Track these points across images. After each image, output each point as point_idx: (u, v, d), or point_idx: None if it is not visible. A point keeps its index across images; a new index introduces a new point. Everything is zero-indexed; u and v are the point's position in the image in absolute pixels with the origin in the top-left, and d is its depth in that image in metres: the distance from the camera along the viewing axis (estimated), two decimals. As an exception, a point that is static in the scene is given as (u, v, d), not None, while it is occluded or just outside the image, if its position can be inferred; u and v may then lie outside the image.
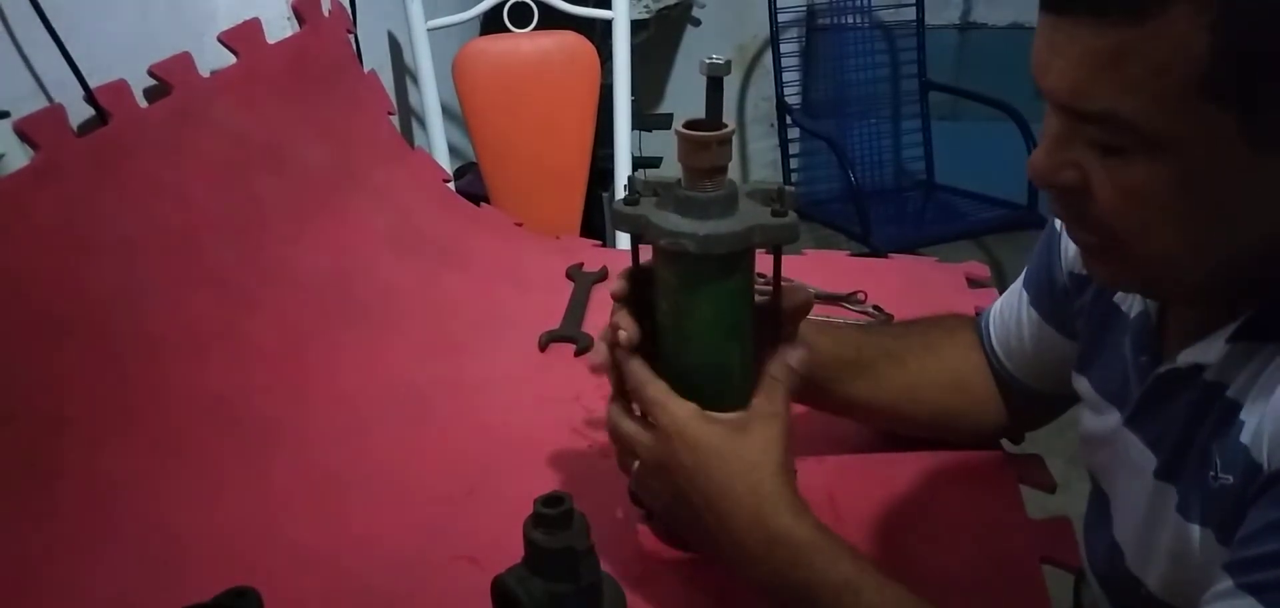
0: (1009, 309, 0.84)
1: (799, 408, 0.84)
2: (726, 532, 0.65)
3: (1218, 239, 0.54)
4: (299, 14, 1.34)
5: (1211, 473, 0.57)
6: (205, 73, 1.14)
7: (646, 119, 2.25)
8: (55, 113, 0.94)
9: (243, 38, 1.20)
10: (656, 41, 2.73)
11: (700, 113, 0.65)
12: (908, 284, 1.20)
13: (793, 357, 0.70)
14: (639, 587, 0.73)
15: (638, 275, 0.72)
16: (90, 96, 1.00)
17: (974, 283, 1.19)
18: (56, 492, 0.79)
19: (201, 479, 0.86)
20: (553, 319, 1.13)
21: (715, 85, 0.65)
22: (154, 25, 1.16)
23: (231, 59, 1.18)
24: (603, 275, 1.25)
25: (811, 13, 2.86)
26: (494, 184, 1.84)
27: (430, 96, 1.77)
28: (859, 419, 0.88)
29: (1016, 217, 2.47)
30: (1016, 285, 0.84)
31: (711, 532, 0.66)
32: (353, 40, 1.47)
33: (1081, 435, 0.75)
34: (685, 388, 0.68)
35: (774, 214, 0.66)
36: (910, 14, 2.74)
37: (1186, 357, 0.60)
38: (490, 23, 1.89)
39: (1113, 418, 0.69)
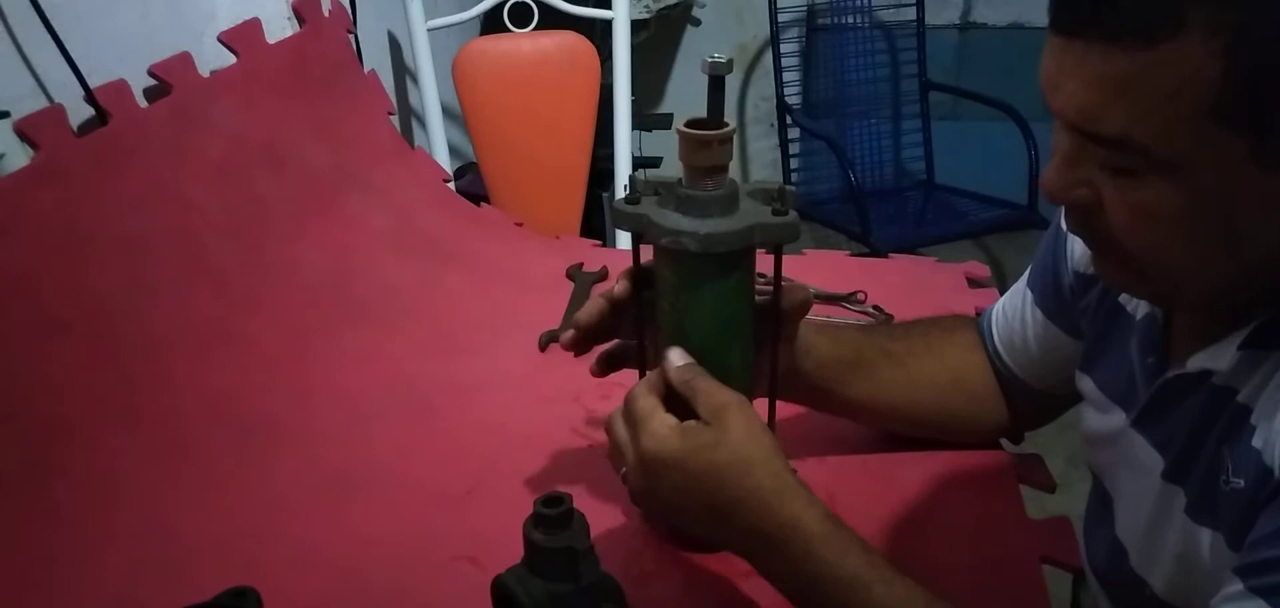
0: (1012, 309, 0.84)
1: (799, 408, 0.85)
2: (736, 524, 0.64)
3: (1228, 256, 0.54)
4: (299, 14, 1.34)
5: (1223, 477, 0.57)
6: (205, 73, 1.14)
7: (646, 119, 2.25)
8: (55, 113, 0.94)
9: (243, 38, 1.20)
10: (656, 41, 2.73)
11: (700, 113, 0.66)
12: (908, 284, 1.20)
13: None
14: (639, 587, 0.73)
15: (638, 275, 0.72)
16: (90, 96, 1.00)
17: (974, 283, 1.19)
18: (56, 492, 0.79)
19: (202, 479, 0.86)
20: (553, 319, 1.13)
21: (717, 84, 0.65)
22: (154, 25, 1.16)
23: (231, 59, 1.18)
24: (603, 275, 1.25)
25: (811, 13, 2.86)
26: (494, 184, 1.84)
27: (430, 96, 1.77)
28: (859, 419, 0.88)
29: (1016, 217, 2.47)
30: (1020, 285, 0.84)
31: (718, 532, 0.66)
32: (353, 40, 1.47)
33: (1084, 434, 0.75)
34: None
35: (774, 213, 0.66)
36: (910, 14, 2.74)
37: (1196, 362, 0.60)
38: (490, 23, 1.89)
39: (1118, 418, 0.69)
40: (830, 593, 0.61)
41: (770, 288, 0.72)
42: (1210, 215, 0.52)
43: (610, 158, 1.87)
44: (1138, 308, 0.68)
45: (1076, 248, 0.75)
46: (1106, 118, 0.51)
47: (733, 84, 3.05)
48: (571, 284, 1.23)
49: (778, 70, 2.73)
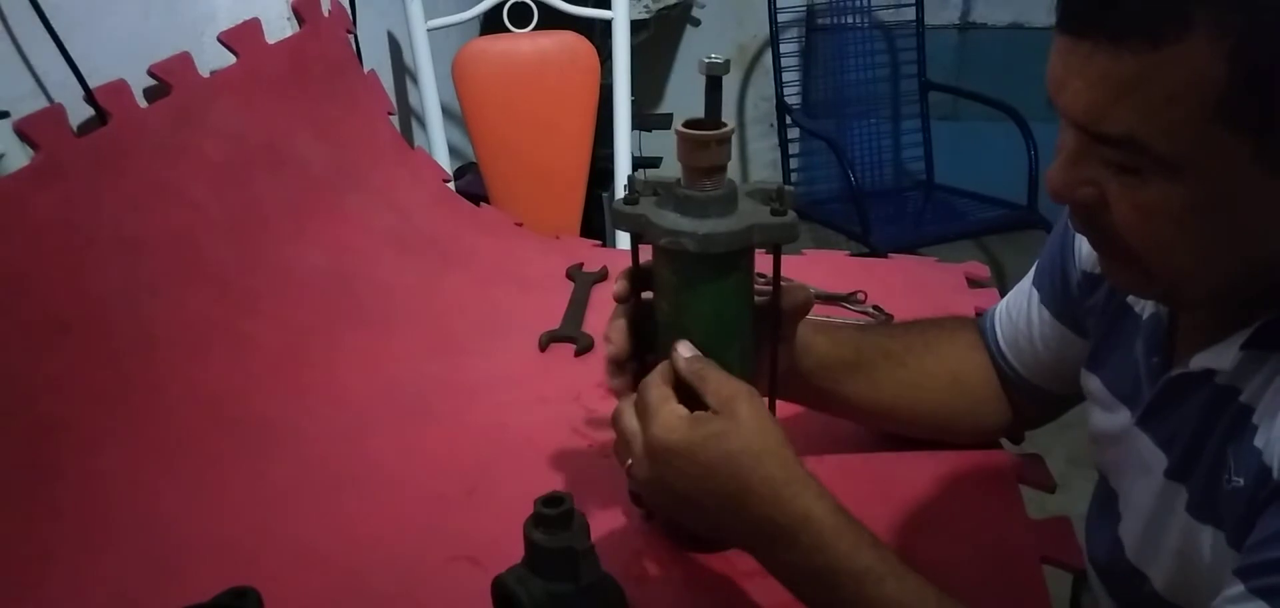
0: (1016, 309, 0.84)
1: (799, 408, 0.85)
2: (746, 515, 0.63)
3: (1232, 256, 0.55)
4: (299, 14, 1.34)
5: (1225, 476, 0.57)
6: (205, 73, 1.14)
7: (646, 119, 2.25)
8: (55, 113, 0.94)
9: (242, 38, 1.20)
10: (656, 41, 2.73)
11: (700, 113, 0.66)
12: (908, 284, 1.20)
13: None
14: (639, 587, 0.73)
15: (638, 275, 0.72)
16: (90, 96, 1.00)
17: (974, 283, 1.19)
18: (56, 492, 0.79)
19: (201, 479, 0.86)
20: (553, 319, 1.13)
21: (714, 85, 0.65)
22: (154, 25, 1.16)
23: (231, 59, 1.18)
24: (603, 275, 1.25)
25: (811, 13, 2.86)
26: (494, 184, 1.84)
27: (430, 96, 1.77)
28: (859, 419, 0.88)
29: (1016, 217, 2.47)
30: (1024, 285, 0.84)
31: (727, 524, 0.65)
32: (352, 40, 1.47)
33: (1091, 433, 0.76)
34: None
35: (773, 213, 0.66)
36: (910, 14, 2.75)
37: (1199, 361, 0.60)
38: (490, 23, 1.89)
39: (1123, 417, 0.70)
40: (843, 585, 0.60)
41: (770, 288, 0.72)
42: (1214, 215, 0.52)
43: (610, 158, 1.87)
44: (1144, 308, 0.69)
45: (1084, 247, 0.75)
46: (1112, 117, 0.51)
47: (732, 84, 3.05)
48: (571, 284, 1.23)
49: (777, 70, 2.73)
